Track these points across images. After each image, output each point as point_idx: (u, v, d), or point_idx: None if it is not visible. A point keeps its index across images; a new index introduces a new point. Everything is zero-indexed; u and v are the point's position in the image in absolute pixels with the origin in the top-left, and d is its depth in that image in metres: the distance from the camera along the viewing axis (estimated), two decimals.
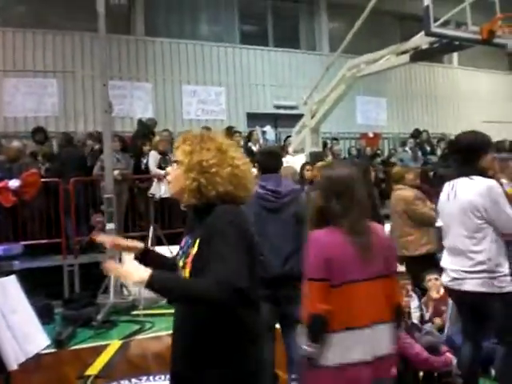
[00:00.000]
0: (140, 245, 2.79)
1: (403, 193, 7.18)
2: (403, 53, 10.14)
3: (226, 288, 2.18)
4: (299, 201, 4.83)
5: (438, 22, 8.71)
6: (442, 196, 4.40)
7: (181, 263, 2.50)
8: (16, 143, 11.13)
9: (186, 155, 2.49)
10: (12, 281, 3.07)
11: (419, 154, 14.98)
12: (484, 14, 9.27)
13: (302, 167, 9.04)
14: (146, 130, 12.16)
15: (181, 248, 2.57)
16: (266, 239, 4.41)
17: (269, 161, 4.95)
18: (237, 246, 2.29)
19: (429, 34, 8.63)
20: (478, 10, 9.16)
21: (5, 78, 13.41)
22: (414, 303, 5.95)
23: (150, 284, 2.23)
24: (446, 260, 4.36)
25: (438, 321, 5.83)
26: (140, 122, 12.71)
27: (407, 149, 15.15)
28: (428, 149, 15.61)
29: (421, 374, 5.01)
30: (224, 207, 2.40)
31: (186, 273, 2.43)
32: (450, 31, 8.96)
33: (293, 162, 11.04)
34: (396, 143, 16.75)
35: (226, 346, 2.37)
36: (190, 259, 2.42)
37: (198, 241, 2.41)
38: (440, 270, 6.34)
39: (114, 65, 14.27)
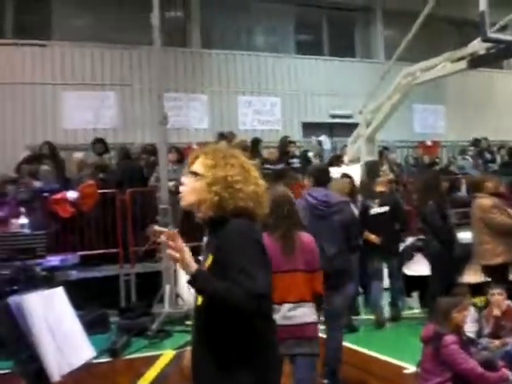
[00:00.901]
0: None
1: (482, 201, 7.18)
2: (460, 59, 9.90)
3: (252, 299, 2.24)
4: (345, 210, 5.81)
5: (495, 27, 8.48)
6: None
7: None
8: (78, 155, 11.41)
9: (209, 169, 2.52)
10: (59, 292, 3.10)
11: (479, 161, 14.64)
12: None
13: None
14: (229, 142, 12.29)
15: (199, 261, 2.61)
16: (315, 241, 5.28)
17: (320, 176, 5.97)
18: (255, 258, 2.36)
19: (485, 39, 8.41)
20: None
21: (64, 91, 13.79)
22: (472, 317, 5.75)
23: (194, 278, 2.33)
24: None
25: (496, 343, 5.62)
26: (221, 134, 12.85)
27: (467, 157, 14.81)
28: (488, 157, 15.21)
29: None
30: (237, 221, 2.44)
31: None
32: (507, 36, 8.70)
33: (348, 171, 10.92)
34: (455, 151, 16.36)
35: (240, 353, 2.40)
36: None
37: (211, 254, 2.46)
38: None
39: (170, 77, 14.45)
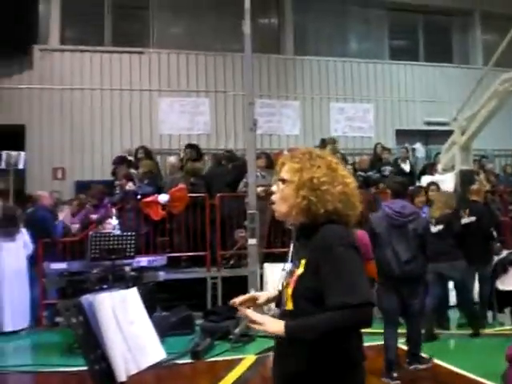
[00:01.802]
0: (270, 294, 2.76)
1: None
2: None
3: (356, 309, 2.16)
4: (419, 220, 6.32)
5: None
6: None
7: (284, 282, 2.46)
8: (172, 159, 11.70)
9: (295, 173, 2.44)
10: (133, 293, 3.18)
11: None
12: None
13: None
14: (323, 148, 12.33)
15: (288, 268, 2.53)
16: (389, 247, 6.09)
17: (399, 188, 6.55)
18: (352, 264, 2.25)
19: None
20: None
21: (160, 97, 14.22)
22: None
23: (287, 334, 2.25)
24: None
25: None
26: (323, 140, 12.90)
27: None
28: None
29: None
30: (332, 227, 2.34)
31: (289, 292, 2.38)
32: None
33: (441, 180, 10.66)
34: None
35: (329, 373, 2.29)
36: (293, 278, 2.37)
37: (303, 261, 2.35)
38: None
39: (264, 83, 14.63)
